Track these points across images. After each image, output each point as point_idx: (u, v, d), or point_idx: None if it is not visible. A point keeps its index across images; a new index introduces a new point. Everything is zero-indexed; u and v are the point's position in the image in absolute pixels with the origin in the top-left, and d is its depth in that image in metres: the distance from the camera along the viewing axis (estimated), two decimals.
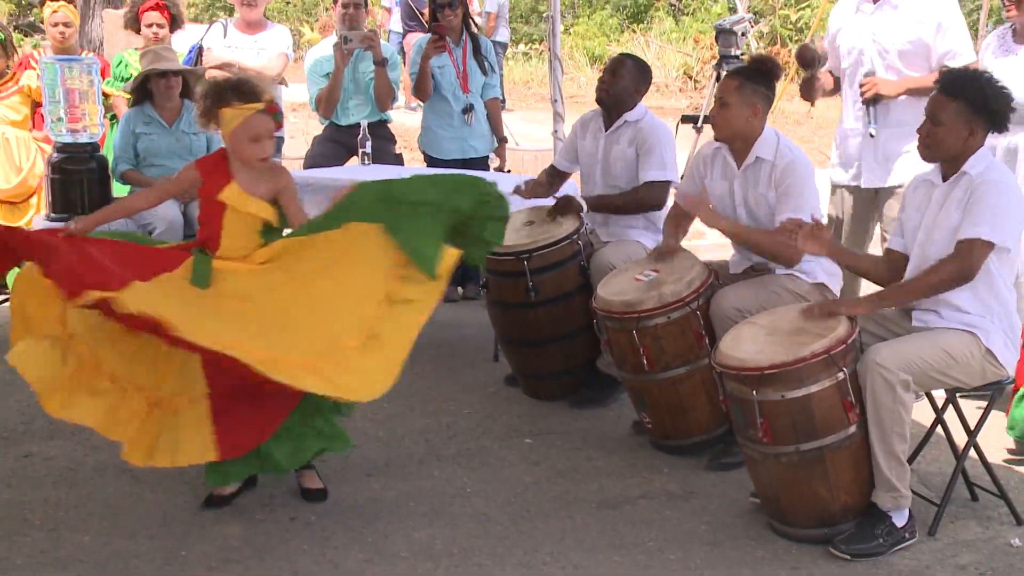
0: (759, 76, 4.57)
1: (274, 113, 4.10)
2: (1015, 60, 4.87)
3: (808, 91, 5.37)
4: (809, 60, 5.22)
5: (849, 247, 5.18)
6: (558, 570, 3.75)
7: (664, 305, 4.46)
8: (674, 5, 20.95)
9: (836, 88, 5.41)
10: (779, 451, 3.82)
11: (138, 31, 7.11)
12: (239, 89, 4.08)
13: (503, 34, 14.76)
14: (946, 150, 3.91)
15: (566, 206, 5.32)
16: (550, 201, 5.48)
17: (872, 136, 5.11)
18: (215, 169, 4.12)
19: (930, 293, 3.93)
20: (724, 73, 7.37)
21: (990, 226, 3.79)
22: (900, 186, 5.14)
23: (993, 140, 4.86)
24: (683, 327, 4.48)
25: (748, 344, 3.92)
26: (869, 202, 5.29)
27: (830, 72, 5.40)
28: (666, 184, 5.29)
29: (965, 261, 3.81)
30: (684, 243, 4.96)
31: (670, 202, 5.40)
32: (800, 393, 3.74)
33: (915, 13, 5.03)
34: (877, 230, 5.42)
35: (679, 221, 4.91)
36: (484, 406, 5.33)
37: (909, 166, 5.08)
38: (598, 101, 5.40)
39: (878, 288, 4.17)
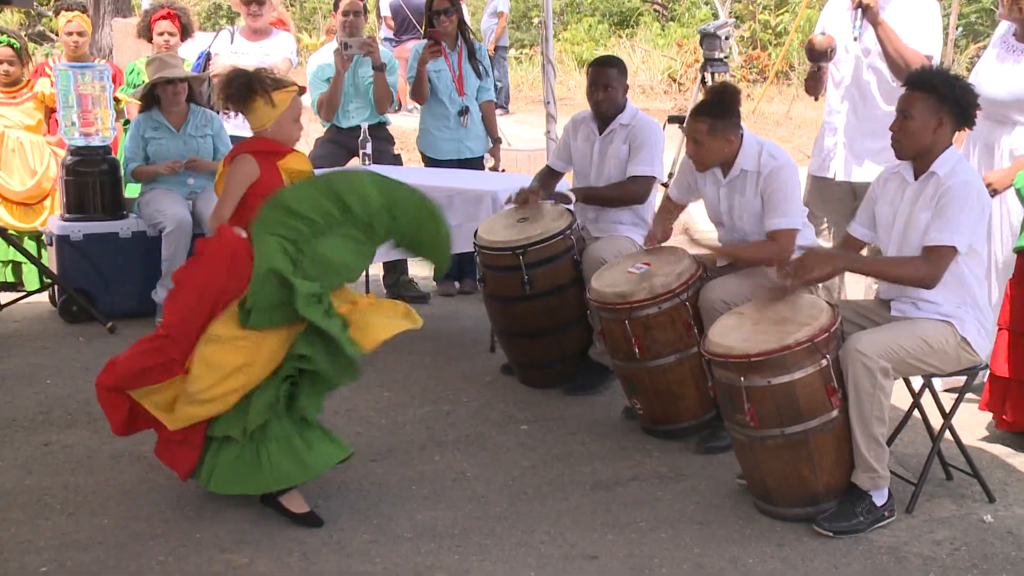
0: (723, 109, 4.51)
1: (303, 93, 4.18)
2: (1014, 62, 4.83)
3: (814, 85, 5.34)
4: (820, 53, 5.18)
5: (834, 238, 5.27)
6: (554, 549, 3.76)
7: (655, 296, 4.49)
8: (659, 11, 20.96)
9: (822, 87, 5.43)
10: (765, 434, 3.84)
11: (150, 40, 7.11)
12: (271, 76, 4.13)
13: (503, 38, 14.78)
14: (917, 143, 3.93)
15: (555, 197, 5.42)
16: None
17: (855, 40, 5.07)
18: (265, 151, 4.12)
19: (893, 281, 3.99)
20: (709, 75, 7.44)
21: (955, 231, 3.81)
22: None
23: (968, 145, 4.94)
24: (673, 317, 4.50)
25: (736, 333, 3.94)
26: (846, 194, 5.31)
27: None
28: (651, 180, 5.31)
29: (932, 267, 3.83)
30: (674, 238, 4.99)
31: (656, 196, 5.44)
32: (785, 379, 3.76)
33: (897, 14, 5.04)
34: None
35: (668, 214, 4.95)
36: (482, 395, 5.34)
37: (888, 160, 5.11)
38: (598, 115, 5.40)
39: (856, 277, 4.21)
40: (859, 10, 4.95)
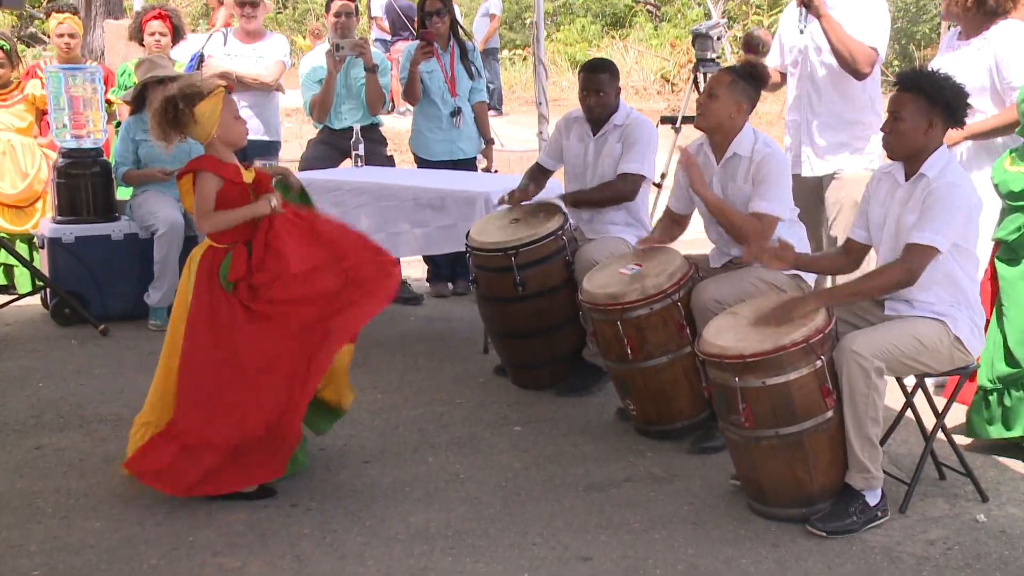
0: (750, 78, 4.58)
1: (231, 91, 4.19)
2: (955, 56, 4.94)
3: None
4: (754, 46, 5.33)
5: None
6: (548, 550, 3.75)
7: (647, 297, 4.48)
8: (652, 11, 20.96)
9: (782, 83, 5.54)
10: (760, 435, 3.83)
11: (141, 42, 7.08)
12: (194, 85, 4.08)
13: (494, 39, 14.78)
14: (908, 144, 3.93)
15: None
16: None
17: (801, 33, 5.24)
18: (219, 166, 4.11)
19: (876, 295, 3.99)
20: (702, 75, 7.44)
21: (935, 231, 3.80)
22: (837, 173, 5.34)
23: None
24: (665, 318, 4.49)
25: (730, 333, 3.93)
26: (815, 190, 5.37)
27: (776, 69, 5.52)
28: (640, 178, 5.30)
29: (910, 266, 3.83)
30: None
31: (644, 195, 5.43)
32: (780, 380, 3.75)
33: (845, 14, 5.12)
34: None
35: (670, 227, 4.94)
36: (475, 396, 5.33)
37: (846, 154, 5.32)
38: (594, 120, 5.39)
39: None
40: (803, 7, 5.13)
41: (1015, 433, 4.40)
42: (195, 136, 4.08)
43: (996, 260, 4.48)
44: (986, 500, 4.09)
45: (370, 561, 3.68)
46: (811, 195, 5.37)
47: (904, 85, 3.95)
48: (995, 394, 4.44)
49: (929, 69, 4.14)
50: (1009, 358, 4.38)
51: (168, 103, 4.02)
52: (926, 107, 3.89)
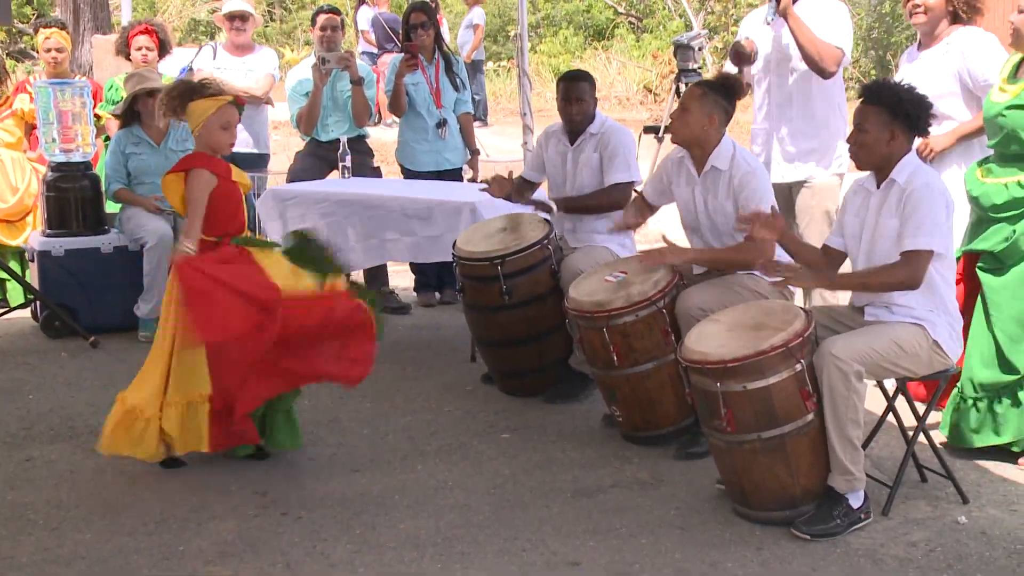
0: (722, 90, 4.60)
1: (240, 106, 4.42)
2: (917, 65, 4.98)
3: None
4: (744, 57, 5.34)
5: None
6: (537, 556, 3.75)
7: (632, 304, 4.48)
8: (633, 23, 21.01)
9: (747, 91, 5.53)
10: (742, 439, 3.84)
11: (128, 57, 7.06)
12: (208, 86, 4.39)
13: (479, 51, 14.80)
14: (873, 154, 3.98)
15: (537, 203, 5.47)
16: (522, 208, 5.51)
17: (767, 24, 5.30)
18: (210, 163, 4.34)
19: (877, 291, 4.00)
20: (683, 85, 7.46)
21: (929, 234, 3.84)
22: (807, 181, 5.37)
23: None
24: (650, 325, 4.50)
25: (712, 339, 3.94)
26: (784, 197, 5.39)
27: (747, 85, 5.54)
28: (630, 184, 5.33)
29: (912, 271, 3.86)
30: (648, 245, 4.99)
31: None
32: (761, 384, 3.76)
33: (811, 17, 5.18)
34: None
35: (640, 210, 4.99)
36: (463, 404, 5.33)
37: (815, 160, 5.37)
38: (571, 128, 5.41)
39: None
40: (774, 1, 5.17)
41: (1004, 439, 4.40)
42: (189, 122, 4.37)
43: (979, 270, 4.47)
44: (967, 502, 4.10)
45: (360, 568, 3.67)
46: (780, 202, 5.36)
47: (867, 98, 4.00)
48: (984, 402, 4.43)
49: (891, 81, 4.18)
50: (1004, 366, 4.37)
51: (181, 84, 4.41)
52: (888, 119, 3.93)
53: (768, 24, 5.31)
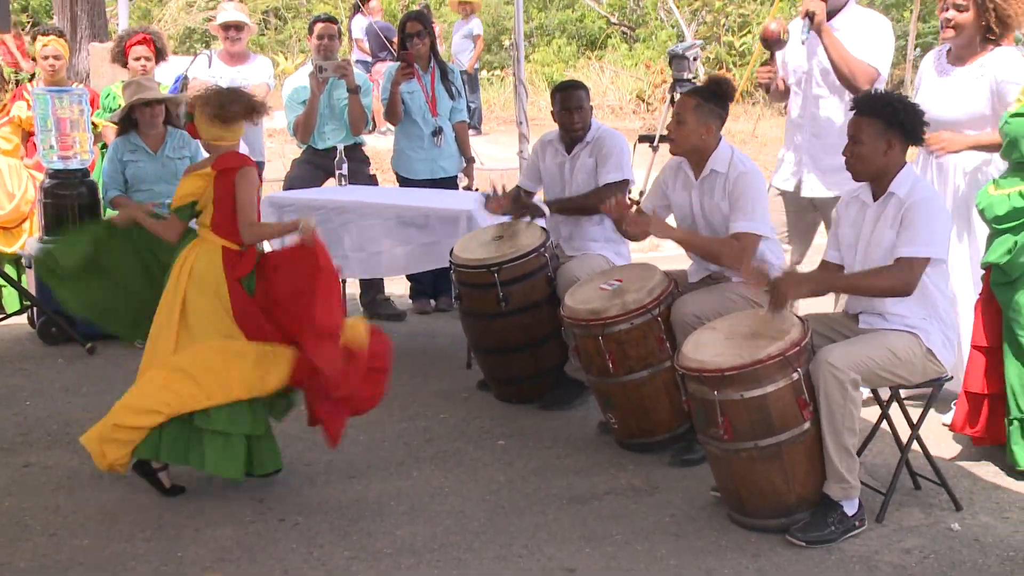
0: (714, 96, 4.61)
1: None
2: (948, 82, 4.92)
3: (773, 92, 5.43)
4: (774, 40, 5.22)
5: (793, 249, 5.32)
6: (532, 562, 3.74)
7: (627, 312, 4.48)
8: (626, 33, 21.05)
9: (786, 93, 5.46)
10: (739, 447, 3.84)
11: (124, 64, 7.05)
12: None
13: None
14: (869, 166, 3.98)
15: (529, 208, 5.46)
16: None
17: (803, 44, 5.18)
18: (251, 164, 4.36)
19: (871, 294, 4.00)
20: (678, 94, 7.46)
21: (925, 243, 3.85)
22: (837, 196, 5.22)
23: (922, 163, 4.98)
24: (645, 333, 4.50)
25: (709, 348, 3.94)
26: (807, 209, 5.35)
27: (783, 79, 5.44)
28: (624, 183, 5.33)
29: (906, 276, 3.86)
30: (644, 256, 4.99)
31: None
32: (758, 392, 3.76)
33: (850, 35, 5.10)
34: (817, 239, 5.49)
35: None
36: (459, 410, 5.32)
37: (847, 177, 5.14)
38: (571, 135, 5.41)
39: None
40: (807, 18, 5.05)
41: None
42: (229, 136, 4.29)
43: (993, 286, 4.42)
44: (960, 509, 4.10)
45: (357, 575, 3.66)
46: (799, 212, 5.36)
47: (860, 110, 3.99)
48: None
49: (883, 91, 4.16)
50: None
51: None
52: (883, 129, 3.93)
53: (803, 44, 5.18)
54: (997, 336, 4.42)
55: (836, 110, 5.22)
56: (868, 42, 5.09)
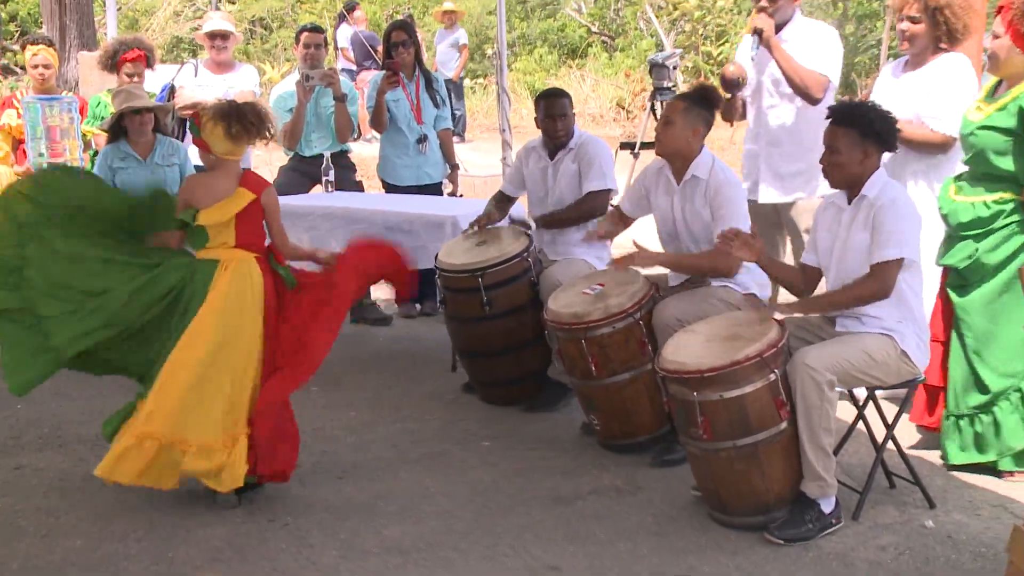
0: (702, 102, 4.65)
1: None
2: (898, 84, 5.05)
3: (729, 112, 5.50)
4: (731, 83, 5.38)
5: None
6: (518, 561, 3.76)
7: (609, 316, 4.51)
8: (606, 42, 21.12)
9: (741, 113, 5.59)
10: (718, 447, 3.87)
11: (110, 71, 7.01)
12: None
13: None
14: (847, 173, 4.02)
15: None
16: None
17: (752, 59, 5.34)
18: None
19: (851, 306, 4.05)
20: (659, 103, 7.51)
21: (896, 244, 3.89)
22: (795, 201, 5.37)
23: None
24: (627, 336, 4.53)
25: (689, 350, 3.97)
26: (769, 216, 5.43)
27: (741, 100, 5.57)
28: (607, 192, 5.37)
29: (882, 281, 3.91)
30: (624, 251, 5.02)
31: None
32: (736, 393, 3.79)
33: (799, 46, 5.23)
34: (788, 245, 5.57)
35: (617, 223, 5.02)
36: (445, 413, 5.33)
37: (802, 183, 5.37)
38: (554, 142, 5.44)
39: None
40: (755, 35, 5.21)
41: (988, 457, 4.42)
42: (238, 151, 4.22)
43: (947, 288, 4.51)
44: (933, 507, 4.14)
45: (346, 573, 3.68)
46: (764, 221, 5.42)
47: (836, 119, 4.04)
48: (966, 420, 4.45)
49: (858, 102, 4.22)
50: (978, 384, 4.40)
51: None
52: (859, 138, 3.98)
53: (752, 60, 5.34)
54: (951, 331, 4.51)
55: (789, 117, 5.37)
56: (817, 52, 5.23)
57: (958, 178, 4.58)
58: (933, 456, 4.62)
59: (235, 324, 4.06)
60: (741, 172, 5.66)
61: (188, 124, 7.11)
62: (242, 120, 4.14)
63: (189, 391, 3.98)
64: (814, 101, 5.23)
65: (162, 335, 4.07)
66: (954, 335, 4.49)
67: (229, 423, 4.02)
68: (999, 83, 4.49)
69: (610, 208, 5.30)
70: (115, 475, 4.00)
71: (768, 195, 5.42)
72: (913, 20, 4.94)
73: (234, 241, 4.16)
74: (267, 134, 4.26)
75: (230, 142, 4.16)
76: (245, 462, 4.02)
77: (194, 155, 6.55)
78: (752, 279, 4.59)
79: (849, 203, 4.07)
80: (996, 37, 4.37)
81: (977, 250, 4.37)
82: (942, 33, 4.92)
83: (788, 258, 5.47)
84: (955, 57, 4.95)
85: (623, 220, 5.03)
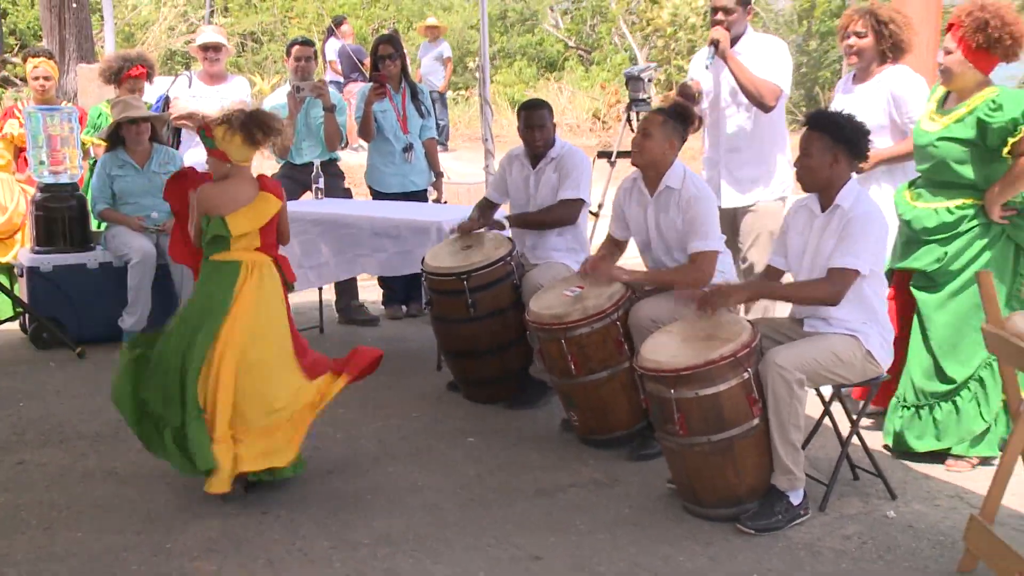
0: (679, 117, 4.67)
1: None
2: (852, 98, 5.09)
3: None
4: (690, 96, 5.46)
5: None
6: (502, 552, 3.77)
7: (588, 317, 4.52)
8: (582, 56, 21.16)
9: (700, 124, 5.65)
10: (693, 442, 3.88)
11: (116, 84, 6.97)
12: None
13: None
14: (817, 177, 4.05)
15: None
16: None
17: (707, 69, 5.45)
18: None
19: (801, 303, 4.12)
20: (634, 114, 7.52)
21: (856, 256, 3.92)
22: (753, 206, 5.47)
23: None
24: (605, 336, 4.54)
25: (666, 349, 3.98)
26: (728, 220, 5.46)
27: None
28: (578, 202, 5.37)
29: (835, 287, 3.94)
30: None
31: (583, 221, 5.50)
32: (711, 391, 3.81)
33: (752, 58, 5.34)
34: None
35: (613, 250, 4.98)
36: (430, 410, 5.33)
37: (760, 187, 5.48)
38: (534, 152, 5.45)
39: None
40: (712, 46, 5.33)
41: (944, 444, 4.47)
42: (249, 155, 4.17)
43: (913, 288, 4.54)
44: (895, 498, 4.17)
45: (337, 564, 3.67)
46: (725, 225, 5.45)
47: (811, 125, 4.07)
48: (925, 409, 4.50)
49: (832, 110, 4.26)
50: (941, 375, 4.45)
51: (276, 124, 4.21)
52: (830, 144, 4.00)
53: (708, 69, 5.44)
54: (903, 326, 4.57)
55: (746, 123, 5.47)
56: (769, 63, 5.34)
57: (912, 184, 4.63)
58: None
59: (266, 320, 4.11)
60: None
61: (182, 132, 7.11)
62: (262, 126, 4.10)
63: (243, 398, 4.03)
64: (767, 109, 5.32)
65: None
66: (915, 330, 4.54)
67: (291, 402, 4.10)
68: (948, 94, 4.53)
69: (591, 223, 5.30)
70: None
71: (729, 199, 5.50)
72: (859, 35, 5.03)
73: (259, 243, 4.16)
74: (279, 136, 4.24)
75: (248, 148, 4.12)
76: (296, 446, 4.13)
77: (189, 162, 6.56)
78: (721, 259, 4.62)
79: (823, 210, 4.09)
80: (948, 53, 4.41)
81: (946, 253, 4.41)
82: (887, 46, 5.01)
83: (748, 258, 5.52)
84: (903, 68, 5.02)
85: (617, 246, 5.00)
